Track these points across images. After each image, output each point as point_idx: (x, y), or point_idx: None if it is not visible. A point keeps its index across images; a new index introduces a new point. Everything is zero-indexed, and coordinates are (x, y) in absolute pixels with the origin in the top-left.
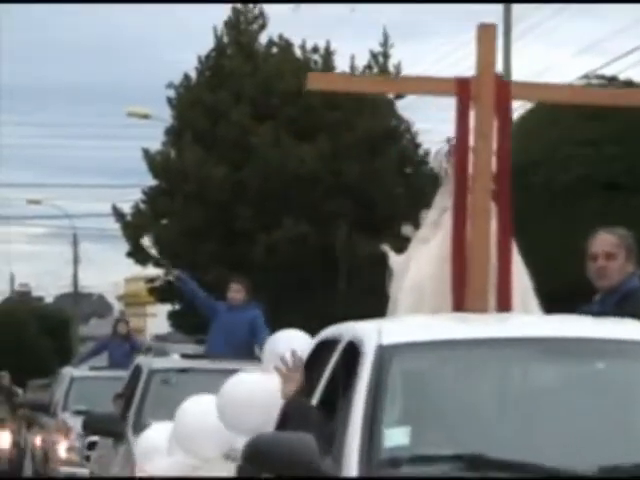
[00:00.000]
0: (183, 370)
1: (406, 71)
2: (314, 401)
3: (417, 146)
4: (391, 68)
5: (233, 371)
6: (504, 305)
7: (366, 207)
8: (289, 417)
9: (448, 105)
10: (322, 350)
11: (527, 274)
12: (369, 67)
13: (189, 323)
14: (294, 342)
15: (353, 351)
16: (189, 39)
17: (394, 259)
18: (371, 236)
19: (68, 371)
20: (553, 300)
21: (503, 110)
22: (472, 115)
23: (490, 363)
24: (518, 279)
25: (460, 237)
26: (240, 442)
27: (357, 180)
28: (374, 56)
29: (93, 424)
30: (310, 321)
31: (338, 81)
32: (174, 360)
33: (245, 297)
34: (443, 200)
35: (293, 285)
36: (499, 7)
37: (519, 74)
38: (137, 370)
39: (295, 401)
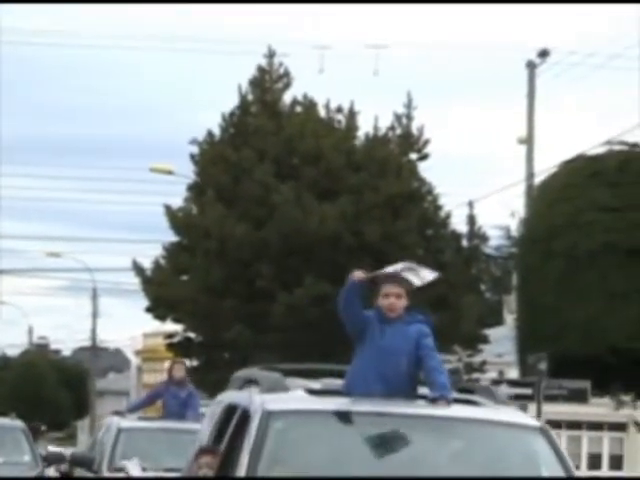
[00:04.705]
0: (319, 413)
1: (429, 133)
2: None
3: (438, 208)
4: (414, 130)
5: (391, 415)
6: None
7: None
8: None
9: (468, 169)
10: None
11: None
12: (392, 128)
13: (208, 379)
14: None
15: None
16: (213, 96)
17: None
18: None
19: (115, 422)
20: (575, 363)
21: None
22: None
23: None
24: None
25: None
26: None
27: (378, 241)
28: (398, 117)
29: None
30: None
31: None
32: (299, 398)
33: (406, 304)
34: None
35: (313, 344)
36: (524, 72)
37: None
38: (235, 412)
39: None
